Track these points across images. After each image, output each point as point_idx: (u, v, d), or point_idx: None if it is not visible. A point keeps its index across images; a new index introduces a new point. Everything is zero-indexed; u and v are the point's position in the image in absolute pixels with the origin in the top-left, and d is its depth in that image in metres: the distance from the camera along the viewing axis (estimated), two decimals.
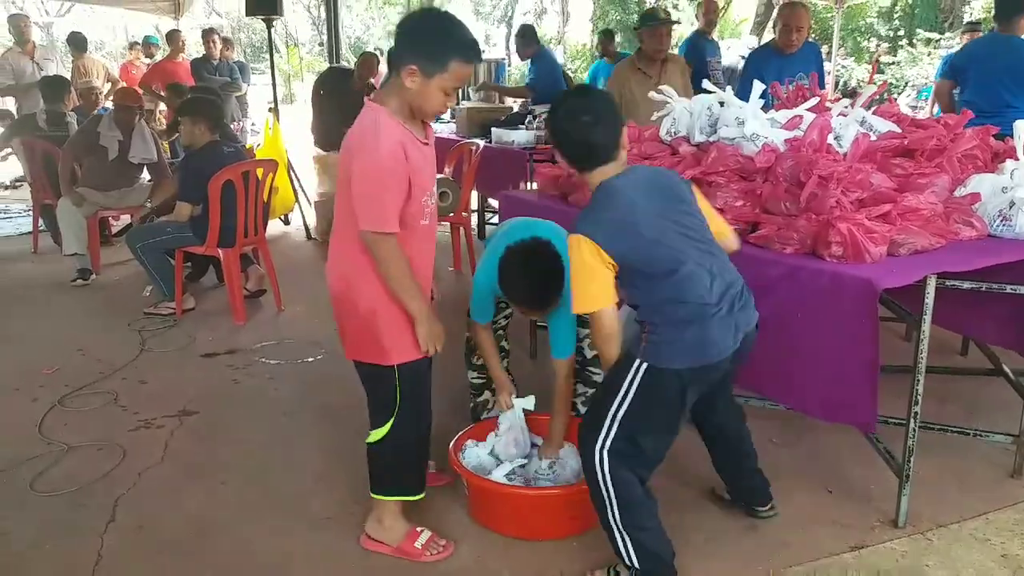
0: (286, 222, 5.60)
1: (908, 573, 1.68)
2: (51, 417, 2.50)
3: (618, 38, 14.58)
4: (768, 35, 9.36)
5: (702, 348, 1.47)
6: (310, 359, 3.00)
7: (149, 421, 2.46)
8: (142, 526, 1.88)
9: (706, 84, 2.52)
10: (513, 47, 6.60)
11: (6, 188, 7.37)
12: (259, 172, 3.46)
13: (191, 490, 2.05)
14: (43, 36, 16.01)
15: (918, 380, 1.73)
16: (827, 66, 5.44)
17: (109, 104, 5.15)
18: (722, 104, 2.40)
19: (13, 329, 3.39)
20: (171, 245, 3.42)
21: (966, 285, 1.77)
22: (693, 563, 1.70)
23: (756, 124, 2.23)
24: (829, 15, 11.71)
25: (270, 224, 4.05)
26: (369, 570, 1.72)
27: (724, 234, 1.66)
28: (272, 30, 5.38)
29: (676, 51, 5.23)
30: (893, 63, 13.06)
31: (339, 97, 4.90)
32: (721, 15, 11.61)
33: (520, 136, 4.32)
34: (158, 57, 6.97)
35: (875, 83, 3.26)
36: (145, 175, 4.44)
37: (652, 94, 2.62)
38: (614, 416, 1.51)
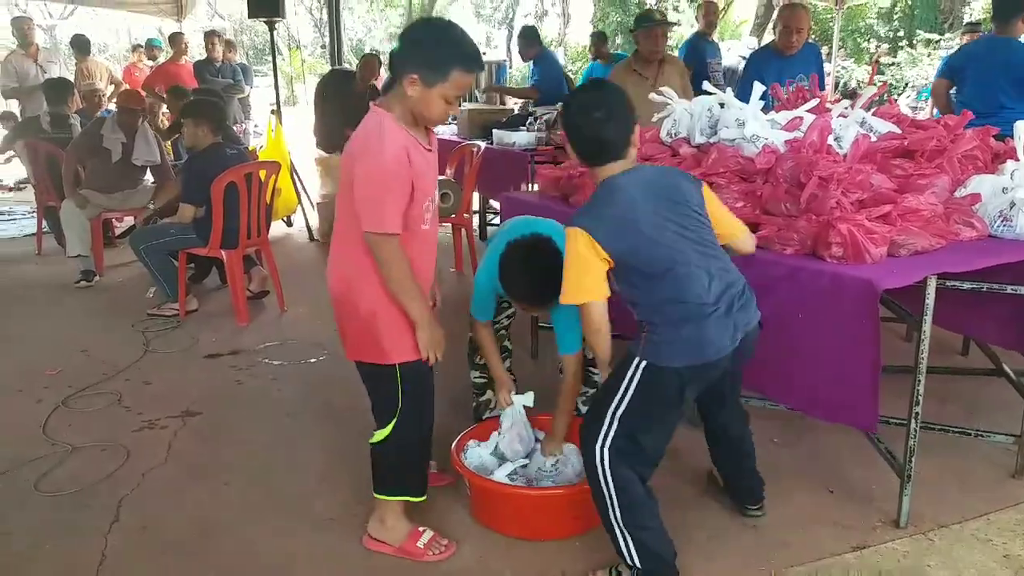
0: (289, 224, 5.61)
1: (910, 573, 1.68)
2: (55, 418, 2.51)
3: (618, 39, 14.62)
4: (768, 36, 9.36)
5: (700, 347, 1.48)
6: (313, 360, 3.01)
7: (153, 422, 2.48)
8: (146, 526, 1.89)
9: (706, 86, 2.53)
10: (514, 49, 6.61)
11: (10, 190, 7.40)
12: (262, 174, 3.47)
13: (194, 491, 2.06)
14: (46, 39, 16.08)
15: (919, 380, 1.73)
16: (827, 67, 5.44)
17: (112, 106, 5.17)
18: (722, 105, 2.41)
19: (17, 330, 3.41)
20: (174, 247, 3.44)
21: (967, 286, 1.77)
22: (694, 563, 1.70)
23: (756, 125, 2.24)
24: (829, 16, 11.72)
25: (273, 226, 4.07)
26: (372, 570, 1.73)
27: (736, 236, 1.67)
28: (274, 32, 5.41)
29: (676, 53, 5.25)
30: (893, 64, 13.07)
31: (341, 99, 4.92)
32: (721, 17, 11.63)
33: (521, 138, 4.33)
34: (161, 59, 6.99)
35: (875, 84, 3.26)
36: (148, 177, 4.45)
37: (653, 96, 2.62)
38: (614, 414, 1.52)
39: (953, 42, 11.02)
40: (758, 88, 2.30)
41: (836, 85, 10.25)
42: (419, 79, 1.47)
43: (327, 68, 8.11)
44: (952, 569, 1.69)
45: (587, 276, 1.49)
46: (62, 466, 2.19)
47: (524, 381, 2.29)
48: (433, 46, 1.49)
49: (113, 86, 6.52)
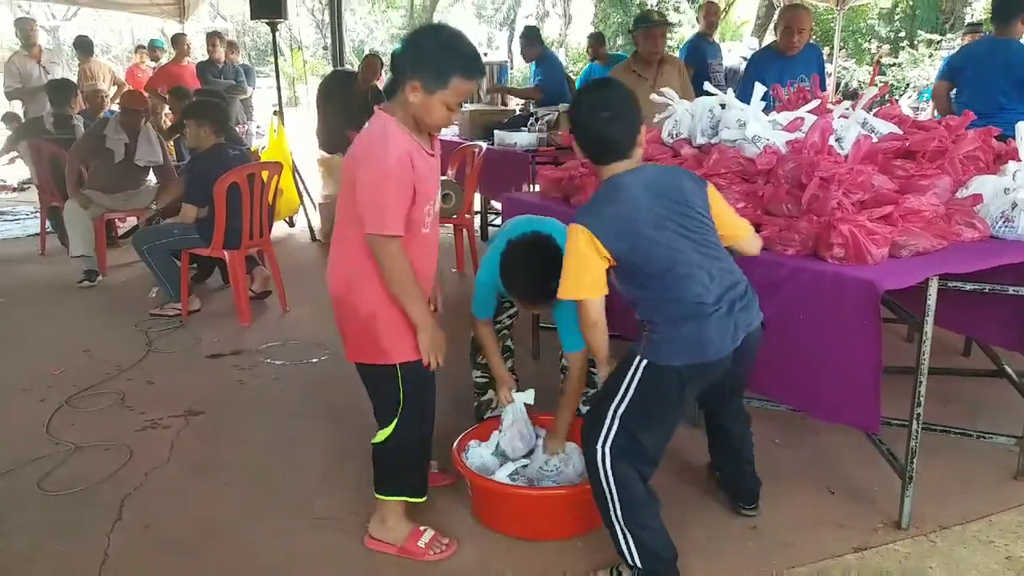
0: (291, 224, 5.62)
1: (911, 575, 1.68)
2: (58, 417, 2.51)
3: (619, 40, 14.61)
4: (769, 37, 9.37)
5: (700, 347, 1.48)
6: (315, 360, 3.02)
7: (155, 421, 2.48)
8: (148, 526, 1.90)
9: (707, 86, 2.53)
10: (515, 50, 6.62)
11: (14, 190, 7.42)
12: (264, 174, 3.48)
13: (196, 490, 2.07)
14: (49, 40, 16.14)
15: (920, 381, 1.73)
16: (828, 68, 5.44)
17: (115, 107, 5.19)
18: (723, 106, 2.41)
19: (20, 330, 3.42)
20: (177, 247, 3.44)
21: (968, 287, 1.77)
22: (695, 563, 1.70)
23: (758, 126, 2.24)
24: (830, 17, 11.71)
25: (275, 226, 4.07)
26: (372, 570, 1.73)
27: (742, 237, 1.67)
28: (276, 34, 5.42)
29: (677, 53, 5.25)
30: (894, 65, 13.06)
31: (343, 100, 4.92)
32: (722, 17, 11.62)
33: (523, 138, 4.33)
34: (163, 60, 7.01)
35: (876, 85, 3.26)
36: (151, 178, 4.46)
37: (653, 96, 2.63)
38: (615, 412, 1.52)
39: (955, 43, 11.01)
40: (759, 89, 2.30)
41: (837, 86, 10.25)
42: (420, 86, 1.49)
43: (329, 69, 8.12)
44: (953, 571, 1.69)
45: (586, 273, 1.50)
46: (65, 465, 2.19)
47: (525, 381, 2.29)
48: (434, 53, 1.51)
49: (116, 87, 6.53)
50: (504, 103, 6.42)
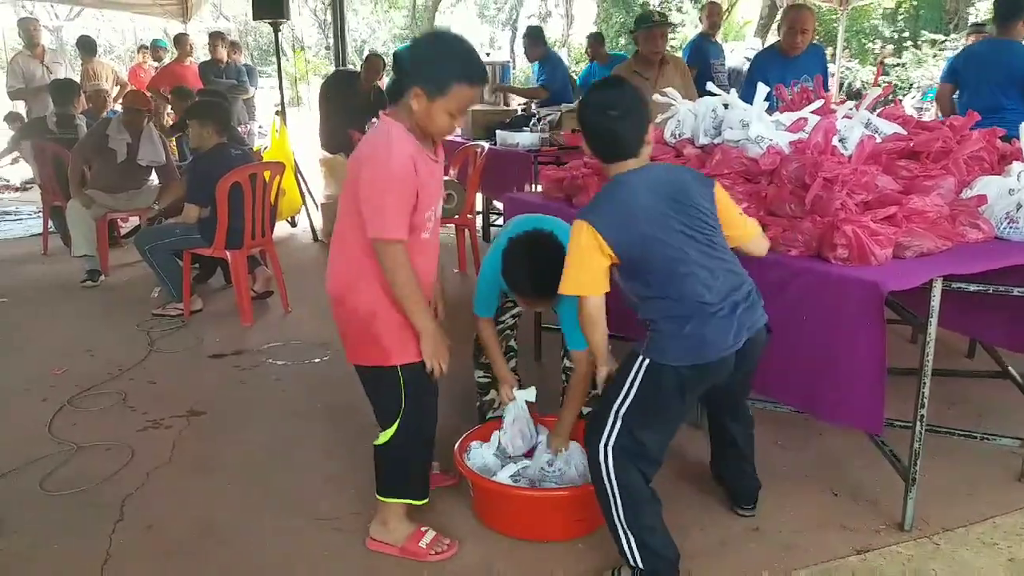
0: (293, 224, 5.63)
1: None
2: (60, 417, 2.52)
3: (621, 41, 14.60)
4: (772, 37, 9.35)
5: (700, 347, 1.48)
6: (317, 360, 3.02)
7: (157, 421, 2.48)
8: (150, 525, 1.90)
9: (710, 87, 2.52)
10: (518, 50, 6.62)
11: (16, 190, 7.44)
12: (266, 174, 3.48)
13: (198, 490, 2.07)
14: (52, 40, 16.16)
15: (924, 383, 1.73)
16: (832, 68, 5.44)
17: (118, 107, 5.19)
18: (726, 106, 2.41)
19: (23, 330, 3.42)
20: (179, 247, 3.45)
21: (972, 288, 1.76)
22: (697, 564, 1.70)
23: (761, 126, 2.23)
24: (833, 17, 11.69)
25: (277, 226, 4.08)
26: (373, 569, 1.73)
27: (749, 237, 1.66)
28: (279, 34, 5.42)
29: (679, 54, 5.24)
30: (898, 65, 13.04)
31: (345, 100, 4.93)
32: (725, 18, 11.62)
33: (525, 138, 4.33)
34: (166, 60, 7.02)
35: (880, 85, 3.26)
36: (153, 177, 4.47)
37: (656, 96, 2.62)
38: (617, 412, 1.52)
39: (958, 43, 10.98)
40: (762, 89, 2.29)
41: (841, 86, 10.24)
42: (423, 93, 1.49)
43: (331, 69, 8.11)
44: (956, 573, 1.68)
45: (586, 270, 1.50)
46: (67, 465, 2.19)
47: (527, 383, 2.28)
48: (436, 61, 1.51)
49: (119, 87, 6.55)
50: (506, 103, 6.41)
